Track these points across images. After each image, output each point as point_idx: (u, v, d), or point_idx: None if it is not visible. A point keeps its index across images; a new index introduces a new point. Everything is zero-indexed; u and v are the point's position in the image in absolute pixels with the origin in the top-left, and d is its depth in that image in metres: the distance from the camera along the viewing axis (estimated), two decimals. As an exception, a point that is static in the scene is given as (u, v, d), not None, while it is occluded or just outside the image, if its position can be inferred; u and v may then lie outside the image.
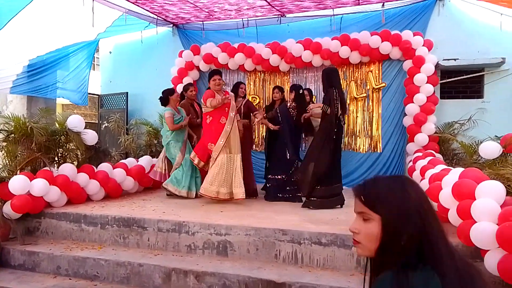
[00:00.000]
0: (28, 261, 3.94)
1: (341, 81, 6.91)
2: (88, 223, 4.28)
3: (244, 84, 6.00)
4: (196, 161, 5.29)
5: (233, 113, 5.10)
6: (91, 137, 5.34)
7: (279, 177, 5.36)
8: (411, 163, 5.63)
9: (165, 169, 5.77)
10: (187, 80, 7.42)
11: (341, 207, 4.82)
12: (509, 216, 2.68)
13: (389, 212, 1.03)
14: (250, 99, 7.41)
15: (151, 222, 4.03)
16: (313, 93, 6.81)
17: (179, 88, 6.72)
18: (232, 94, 5.35)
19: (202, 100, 5.16)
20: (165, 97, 5.68)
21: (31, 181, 4.34)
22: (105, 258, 3.71)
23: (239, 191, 4.95)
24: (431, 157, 5.14)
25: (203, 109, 5.22)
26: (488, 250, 2.76)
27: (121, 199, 5.40)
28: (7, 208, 4.20)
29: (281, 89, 5.90)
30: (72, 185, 4.75)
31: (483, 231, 2.73)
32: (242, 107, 5.67)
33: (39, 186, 4.32)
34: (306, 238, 3.49)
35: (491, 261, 2.68)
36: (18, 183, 4.21)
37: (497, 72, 6.26)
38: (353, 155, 6.94)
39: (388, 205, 1.04)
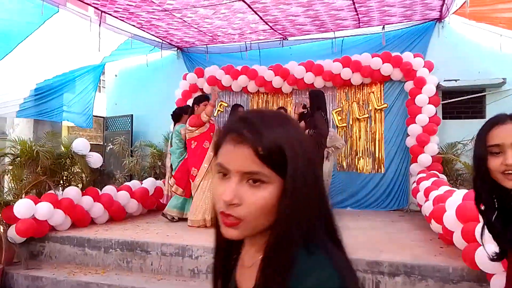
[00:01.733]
0: (32, 286, 3.93)
1: (342, 102, 7.09)
2: (91, 247, 4.28)
3: (243, 107, 6.05)
4: (173, 187, 5.30)
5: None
6: (95, 160, 5.39)
7: None
8: (415, 184, 5.62)
9: (170, 191, 5.67)
10: (191, 102, 7.51)
11: None
12: (514, 240, 2.67)
13: (295, 172, 0.72)
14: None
15: (155, 245, 4.03)
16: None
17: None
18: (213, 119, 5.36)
19: (187, 125, 5.12)
20: (179, 114, 5.71)
21: (36, 204, 4.36)
22: (108, 283, 3.70)
23: (208, 218, 4.82)
24: (434, 178, 5.13)
25: (187, 135, 5.16)
26: (494, 274, 2.72)
27: (125, 222, 5.40)
28: (11, 232, 4.22)
29: (285, 110, 5.96)
30: (76, 208, 4.77)
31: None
32: None
33: (43, 209, 4.35)
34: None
35: (498, 285, 2.65)
36: (23, 207, 4.23)
37: (498, 92, 6.30)
38: (356, 175, 6.92)
39: (296, 160, 0.72)
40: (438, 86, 6.38)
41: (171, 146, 5.65)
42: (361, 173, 6.92)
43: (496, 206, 1.27)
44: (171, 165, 5.61)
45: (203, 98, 5.27)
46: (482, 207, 1.30)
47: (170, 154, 5.66)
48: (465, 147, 6.07)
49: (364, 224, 5.18)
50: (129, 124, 8.10)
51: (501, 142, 1.16)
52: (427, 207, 4.24)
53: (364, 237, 4.33)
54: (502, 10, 5.48)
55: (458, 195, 3.49)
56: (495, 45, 6.23)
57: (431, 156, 6.09)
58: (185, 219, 5.33)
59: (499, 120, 1.21)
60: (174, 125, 5.78)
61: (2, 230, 4.33)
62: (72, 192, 4.84)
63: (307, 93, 7.16)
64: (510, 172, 1.13)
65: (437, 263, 3.19)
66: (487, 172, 1.21)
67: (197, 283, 3.66)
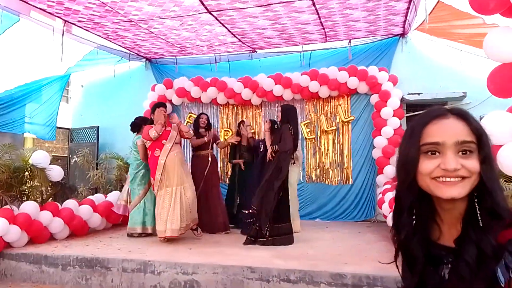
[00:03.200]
0: (-19, 308, 3.70)
1: (311, 115, 7.16)
2: (48, 264, 4.09)
3: (206, 115, 6.03)
4: None
5: (170, 144, 4.89)
6: (56, 173, 5.20)
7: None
8: (381, 195, 5.70)
9: (129, 202, 5.49)
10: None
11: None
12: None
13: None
14: (223, 132, 7.48)
15: (115, 261, 3.89)
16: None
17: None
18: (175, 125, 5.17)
19: (142, 136, 5.06)
20: (139, 124, 5.54)
21: (-11, 220, 4.14)
22: (64, 302, 3.53)
23: (175, 229, 4.62)
24: (399, 189, 5.21)
25: (146, 144, 5.06)
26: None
27: (87, 237, 5.21)
28: (-38, 250, 3.98)
29: (243, 122, 6.30)
30: (34, 224, 4.56)
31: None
32: (211, 138, 5.75)
33: (-2, 225, 4.13)
34: (274, 276, 3.43)
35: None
36: (-25, 223, 4.01)
37: (459, 105, 6.53)
38: (325, 187, 6.98)
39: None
40: (402, 100, 6.55)
41: (130, 157, 5.55)
42: (329, 185, 6.98)
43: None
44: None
45: (160, 105, 5.17)
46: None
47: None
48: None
49: (331, 236, 5.21)
50: (95, 136, 7.89)
51: (442, 141, 0.90)
52: (391, 219, 4.29)
53: (330, 248, 4.35)
54: (460, 26, 5.71)
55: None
56: (456, 60, 6.47)
57: (396, 168, 6.20)
58: (150, 234, 5.21)
59: (440, 113, 0.95)
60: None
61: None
62: (29, 207, 4.62)
63: (279, 107, 7.26)
64: (446, 180, 0.89)
65: (399, 274, 3.19)
66: (415, 178, 0.95)
67: (159, 300, 3.55)
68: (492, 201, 0.89)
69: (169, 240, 4.71)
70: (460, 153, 0.90)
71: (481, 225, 0.89)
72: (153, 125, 4.96)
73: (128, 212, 5.44)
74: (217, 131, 7.39)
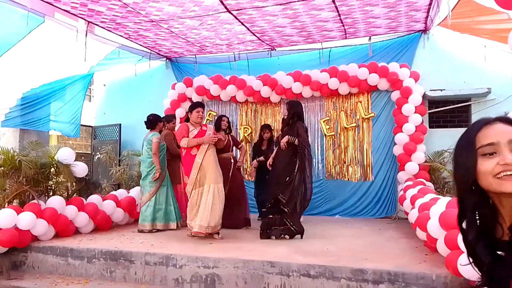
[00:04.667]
0: (12, 298, 3.84)
1: (330, 112, 7.14)
2: (74, 257, 4.21)
3: (227, 117, 5.99)
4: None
5: (206, 145, 4.88)
6: (81, 169, 5.34)
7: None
8: (402, 192, 5.64)
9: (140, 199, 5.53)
10: (179, 112, 7.51)
11: (301, 237, 4.71)
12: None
13: None
14: (242, 130, 7.54)
15: (138, 255, 3.98)
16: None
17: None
18: (212, 126, 5.27)
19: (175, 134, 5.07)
20: (154, 121, 5.57)
21: (18, 214, 4.29)
22: (90, 293, 3.63)
23: (202, 225, 4.63)
24: (421, 186, 5.16)
25: (181, 144, 4.99)
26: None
27: (111, 231, 5.34)
28: (-7, 243, 4.13)
29: (270, 129, 6.26)
30: (60, 218, 4.70)
31: (470, 261, 2.71)
32: (230, 140, 5.77)
33: (26, 219, 4.27)
34: (294, 270, 3.44)
35: (479, 292, 2.64)
36: (5, 217, 4.16)
37: (483, 102, 6.39)
38: (345, 184, 6.96)
39: None
40: (424, 96, 6.45)
41: (143, 154, 5.54)
42: (349, 181, 6.95)
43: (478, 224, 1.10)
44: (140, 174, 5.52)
45: (197, 105, 5.12)
46: (464, 225, 1.13)
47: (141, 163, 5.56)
48: (452, 155, 6.12)
49: (351, 232, 5.18)
50: (117, 133, 8.05)
51: (496, 140, 1.01)
52: (413, 215, 4.25)
53: (350, 245, 4.33)
54: (484, 22, 5.58)
55: (442, 203, 3.50)
56: (480, 56, 6.34)
57: (418, 164, 6.14)
58: (160, 230, 5.27)
59: (489, 120, 1.08)
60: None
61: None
62: (55, 201, 4.77)
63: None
64: (508, 172, 0.98)
65: (421, 271, 3.18)
66: (476, 182, 1.05)
67: (180, 293, 3.62)
68: None
69: (195, 236, 4.74)
70: None
71: None
72: (188, 123, 4.99)
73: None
74: (236, 129, 7.48)
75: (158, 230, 5.27)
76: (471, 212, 1.07)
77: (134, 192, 6.00)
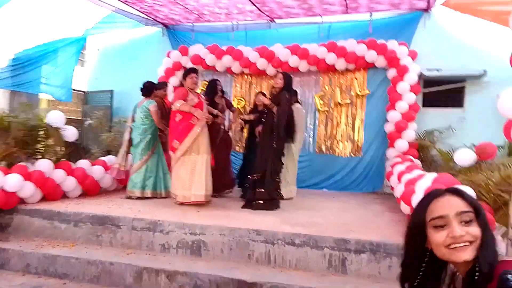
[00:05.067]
0: (-3, 258, 3.85)
1: (325, 87, 7.09)
2: (61, 221, 4.20)
3: (219, 81, 5.90)
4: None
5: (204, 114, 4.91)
6: (70, 133, 5.28)
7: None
8: (390, 168, 5.69)
9: (124, 166, 5.51)
10: (174, 80, 7.41)
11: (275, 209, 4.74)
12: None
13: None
14: (236, 101, 7.46)
15: (126, 220, 3.98)
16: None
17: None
18: (204, 99, 5.17)
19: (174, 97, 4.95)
20: (150, 88, 5.49)
21: (5, 175, 4.26)
22: (76, 256, 3.64)
23: (199, 194, 4.71)
24: (409, 163, 5.20)
25: (173, 106, 4.94)
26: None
27: (99, 196, 5.33)
28: (-22, 203, 4.11)
29: (265, 96, 6.00)
30: (47, 181, 4.68)
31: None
32: (224, 105, 5.72)
33: (13, 181, 4.24)
34: (279, 239, 3.48)
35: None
36: (-9, 177, 4.13)
37: (478, 83, 6.36)
38: (334, 159, 7.02)
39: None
40: (420, 76, 6.42)
41: (133, 121, 5.47)
42: (339, 156, 7.01)
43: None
44: (130, 139, 5.46)
45: (191, 70, 5.05)
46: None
47: (131, 129, 5.48)
48: (442, 134, 6.17)
49: (338, 205, 5.25)
50: (109, 100, 7.97)
51: (445, 213, 1.11)
52: (399, 190, 4.30)
53: (336, 217, 4.38)
54: (487, 3, 5.49)
55: (428, 178, 3.53)
56: (478, 38, 6.28)
57: (408, 142, 6.19)
58: (148, 198, 5.27)
59: (438, 193, 1.18)
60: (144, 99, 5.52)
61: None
62: (43, 164, 4.72)
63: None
64: (457, 245, 1.08)
65: (401, 242, 3.21)
66: (423, 244, 1.17)
67: (167, 258, 3.64)
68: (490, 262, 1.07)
69: (191, 205, 4.73)
70: (463, 222, 1.10)
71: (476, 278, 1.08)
72: (186, 88, 4.91)
73: (127, 175, 5.48)
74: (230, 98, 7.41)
75: (146, 198, 5.28)
76: (415, 277, 1.21)
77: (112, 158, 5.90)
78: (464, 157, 4.16)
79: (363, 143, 6.89)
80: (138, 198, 5.23)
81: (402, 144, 6.16)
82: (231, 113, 6.18)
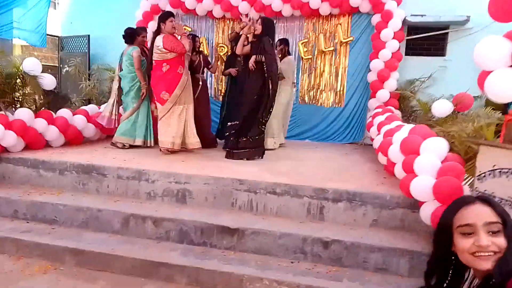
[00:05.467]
0: (-16, 205, 3.91)
1: (309, 33, 6.97)
2: (46, 169, 4.25)
3: (198, 37, 5.87)
4: (155, 112, 5.23)
5: (187, 62, 5.05)
6: (48, 81, 5.15)
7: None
8: (370, 119, 5.80)
9: (115, 114, 5.48)
10: (152, 25, 7.13)
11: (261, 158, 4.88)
12: (447, 171, 2.87)
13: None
14: (218, 49, 7.31)
15: (111, 169, 4.05)
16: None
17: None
18: (190, 41, 5.12)
19: (163, 46, 4.75)
20: (132, 35, 5.36)
21: (-15, 125, 4.20)
22: (64, 203, 3.73)
23: (194, 141, 5.01)
24: (389, 113, 5.30)
25: (157, 55, 4.82)
26: (424, 202, 2.97)
27: (82, 146, 5.34)
28: (-40, 152, 4.09)
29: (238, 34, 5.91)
30: (29, 130, 4.64)
31: (422, 184, 2.93)
32: (201, 61, 5.66)
33: (-7, 130, 4.20)
34: (261, 188, 3.62)
35: (426, 212, 2.90)
36: (-29, 127, 4.07)
37: (461, 30, 6.36)
38: (317, 109, 7.07)
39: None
40: (404, 21, 6.35)
41: (121, 70, 5.38)
42: (321, 106, 7.06)
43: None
44: (119, 88, 5.41)
45: (169, 14, 4.94)
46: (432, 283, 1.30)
47: (120, 78, 5.41)
48: (423, 84, 6.24)
49: (319, 156, 5.40)
50: (86, 46, 7.67)
51: (473, 222, 1.13)
52: (378, 141, 4.44)
53: (317, 167, 4.54)
54: None
55: (405, 130, 3.66)
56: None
57: (389, 92, 6.24)
58: (136, 146, 5.31)
59: (468, 200, 1.20)
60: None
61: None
62: (23, 113, 4.65)
63: (277, 23, 6.97)
64: (482, 254, 1.11)
65: (377, 191, 3.42)
66: (449, 247, 1.22)
67: (153, 205, 3.77)
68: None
69: (172, 152, 4.91)
70: (490, 232, 1.12)
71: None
72: (173, 35, 4.81)
73: (115, 123, 5.46)
74: (212, 48, 7.25)
75: (133, 146, 5.31)
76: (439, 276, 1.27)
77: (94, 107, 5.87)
78: (442, 108, 4.28)
79: (345, 93, 6.91)
80: (123, 146, 5.26)
81: (383, 94, 6.22)
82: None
